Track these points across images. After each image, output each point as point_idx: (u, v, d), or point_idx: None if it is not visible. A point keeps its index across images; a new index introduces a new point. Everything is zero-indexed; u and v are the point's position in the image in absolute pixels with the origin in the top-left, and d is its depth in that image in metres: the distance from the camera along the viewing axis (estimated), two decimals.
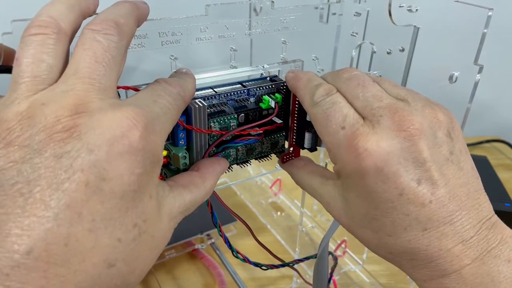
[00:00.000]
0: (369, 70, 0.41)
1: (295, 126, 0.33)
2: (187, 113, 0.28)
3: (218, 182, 0.29)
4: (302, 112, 0.31)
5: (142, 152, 0.20)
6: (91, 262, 0.19)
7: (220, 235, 0.31)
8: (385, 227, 0.25)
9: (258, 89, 0.32)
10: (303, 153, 0.34)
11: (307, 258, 0.38)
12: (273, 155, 0.35)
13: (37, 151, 0.18)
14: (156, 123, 0.21)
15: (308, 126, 0.32)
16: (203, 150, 0.29)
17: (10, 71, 0.21)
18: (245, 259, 0.33)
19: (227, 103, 0.31)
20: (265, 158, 0.34)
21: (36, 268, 0.17)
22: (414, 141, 0.24)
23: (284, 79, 0.33)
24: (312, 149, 0.33)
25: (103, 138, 0.19)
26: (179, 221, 0.24)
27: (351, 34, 0.42)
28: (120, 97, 0.24)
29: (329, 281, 0.39)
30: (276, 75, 0.34)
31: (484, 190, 0.26)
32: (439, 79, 0.37)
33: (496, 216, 0.26)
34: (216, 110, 0.30)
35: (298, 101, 0.31)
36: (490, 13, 0.32)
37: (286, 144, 0.34)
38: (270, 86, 0.32)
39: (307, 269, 0.51)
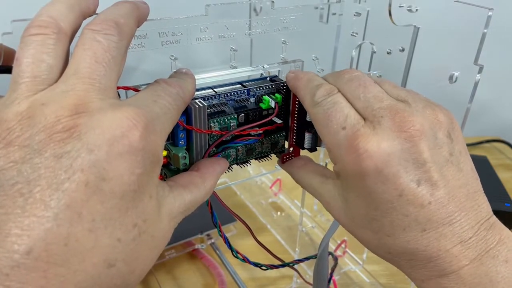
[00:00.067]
0: (369, 70, 0.41)
1: (295, 126, 0.33)
2: (187, 113, 0.28)
3: (218, 182, 0.29)
4: (302, 112, 0.31)
5: (142, 152, 0.20)
6: (91, 262, 0.19)
7: (220, 235, 0.31)
8: (384, 227, 0.25)
9: (258, 89, 0.32)
10: (303, 153, 0.34)
11: (307, 258, 0.38)
12: (273, 155, 0.35)
13: (37, 151, 0.18)
14: (156, 123, 0.21)
15: (308, 126, 0.32)
16: (203, 150, 0.29)
17: (10, 71, 0.21)
18: (245, 259, 0.33)
19: (227, 103, 0.31)
20: (265, 158, 0.34)
21: (36, 268, 0.17)
22: (415, 142, 0.24)
23: (284, 79, 0.33)
24: (312, 149, 0.33)
25: (103, 138, 0.19)
26: (179, 221, 0.24)
27: (351, 34, 0.42)
28: (120, 97, 0.24)
29: (329, 281, 0.39)
30: (276, 75, 0.34)
31: (483, 191, 0.26)
32: (439, 79, 0.37)
33: (494, 216, 0.26)
34: (216, 110, 0.30)
35: (298, 101, 0.31)
36: (490, 13, 0.32)
37: (286, 144, 0.35)
38: (270, 86, 0.32)
39: (307, 269, 0.51)
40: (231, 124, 0.31)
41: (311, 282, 0.40)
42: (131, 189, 0.20)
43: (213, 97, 0.30)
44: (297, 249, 0.50)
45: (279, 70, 0.35)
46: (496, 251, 0.24)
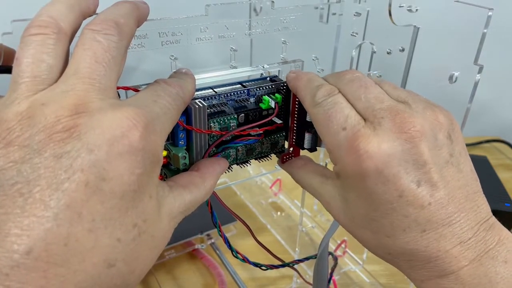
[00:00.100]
0: (369, 70, 0.41)
1: (295, 127, 0.33)
2: (187, 113, 0.28)
3: (218, 182, 0.29)
4: (302, 112, 0.31)
5: (142, 152, 0.20)
6: (91, 262, 0.19)
7: (220, 235, 0.31)
8: (384, 228, 0.25)
9: (258, 89, 0.32)
10: (303, 153, 0.34)
11: (307, 258, 0.38)
12: (273, 155, 0.35)
13: (37, 151, 0.18)
14: (156, 123, 0.21)
15: (308, 126, 0.32)
16: (203, 150, 0.29)
17: (10, 71, 0.21)
18: (245, 259, 0.33)
19: (227, 103, 0.31)
20: (265, 158, 0.34)
21: (35, 268, 0.17)
22: (415, 143, 0.24)
23: (284, 79, 0.33)
24: (312, 149, 0.33)
25: (103, 138, 0.19)
26: (179, 221, 0.24)
27: (351, 34, 0.42)
28: (120, 97, 0.24)
29: (329, 281, 0.39)
30: (276, 75, 0.34)
31: (482, 192, 0.26)
32: (439, 79, 0.37)
33: (494, 217, 0.26)
34: (216, 110, 0.30)
35: (298, 101, 0.31)
36: (490, 13, 0.32)
37: (286, 144, 0.35)
38: (270, 86, 0.32)
39: (307, 269, 0.51)
40: (231, 124, 0.31)
41: (311, 282, 0.40)
42: (131, 189, 0.20)
43: (213, 97, 0.30)
44: (297, 249, 0.50)
45: (279, 70, 0.35)
46: (496, 251, 0.24)
